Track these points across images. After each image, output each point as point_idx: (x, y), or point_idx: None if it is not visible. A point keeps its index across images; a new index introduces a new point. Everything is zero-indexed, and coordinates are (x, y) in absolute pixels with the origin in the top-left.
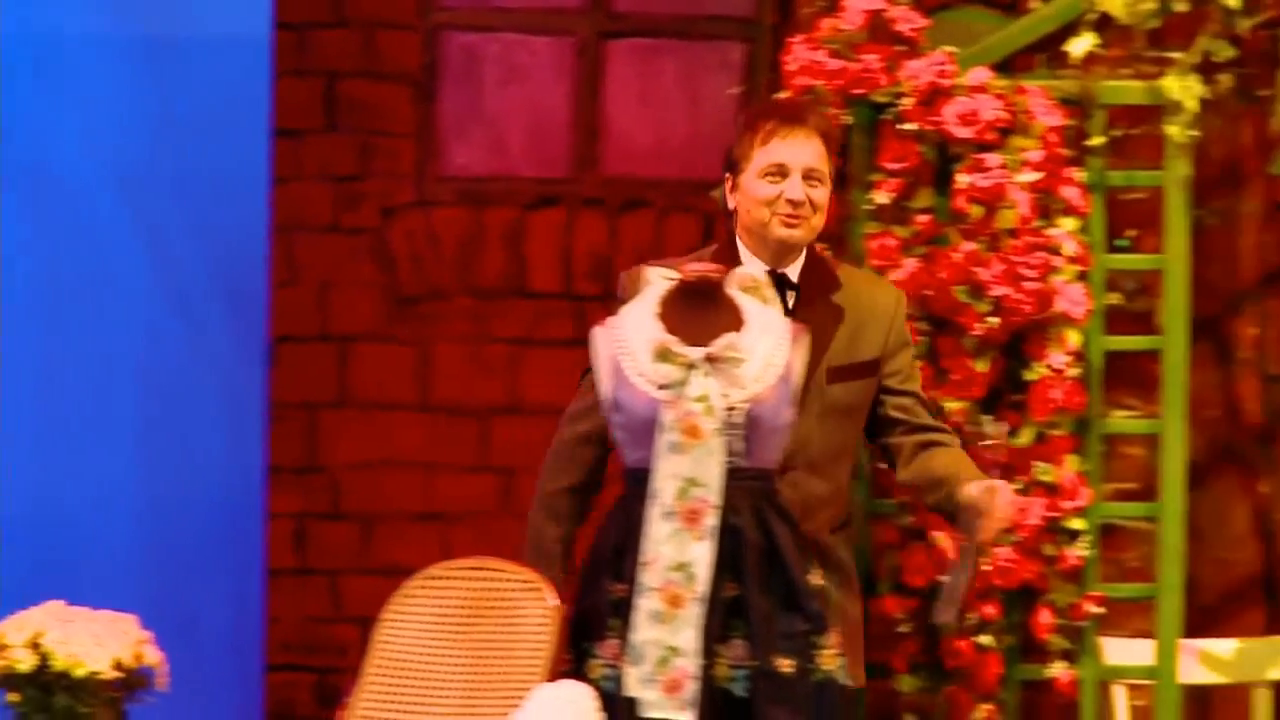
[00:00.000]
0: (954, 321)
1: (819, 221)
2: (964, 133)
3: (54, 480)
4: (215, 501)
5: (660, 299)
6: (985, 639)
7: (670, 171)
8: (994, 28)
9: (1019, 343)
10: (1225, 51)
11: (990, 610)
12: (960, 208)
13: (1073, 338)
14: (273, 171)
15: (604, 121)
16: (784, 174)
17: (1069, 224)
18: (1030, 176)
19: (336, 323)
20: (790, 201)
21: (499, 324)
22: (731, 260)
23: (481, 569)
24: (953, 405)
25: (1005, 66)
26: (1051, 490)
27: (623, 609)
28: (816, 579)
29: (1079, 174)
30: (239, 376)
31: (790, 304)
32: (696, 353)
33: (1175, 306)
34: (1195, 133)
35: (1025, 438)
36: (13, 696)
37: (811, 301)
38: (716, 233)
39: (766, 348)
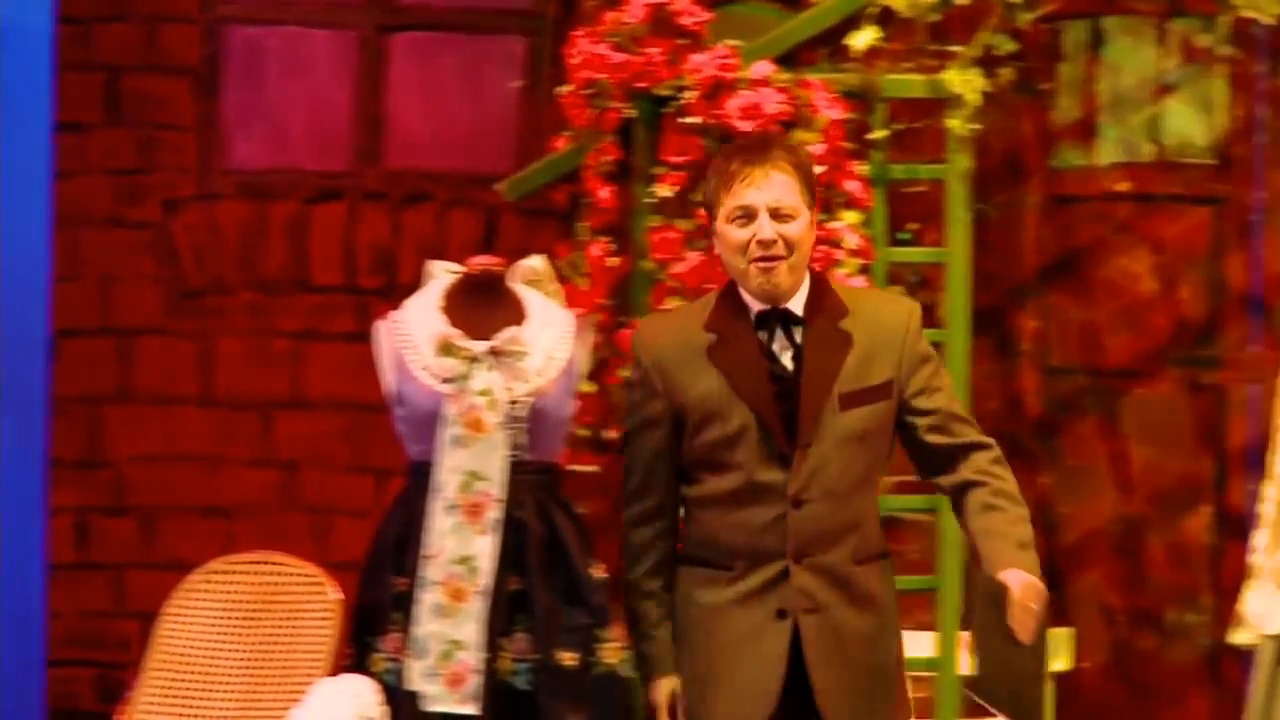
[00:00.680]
0: None
1: (799, 259)
2: (747, 126)
3: None
4: None
5: (443, 292)
6: None
7: (453, 165)
8: (776, 22)
9: None
10: (1006, 45)
11: None
12: None
13: None
14: (54, 165)
15: (386, 115)
16: (751, 216)
17: (851, 217)
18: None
19: (118, 316)
20: (760, 243)
21: (281, 318)
22: (735, 304)
23: (264, 563)
24: None
25: (788, 60)
26: None
27: (405, 603)
28: (599, 572)
29: (861, 167)
30: (20, 371)
31: (797, 338)
32: (480, 346)
33: (957, 299)
34: (976, 126)
35: None
36: None
37: (819, 331)
38: (499, 226)
39: (549, 341)
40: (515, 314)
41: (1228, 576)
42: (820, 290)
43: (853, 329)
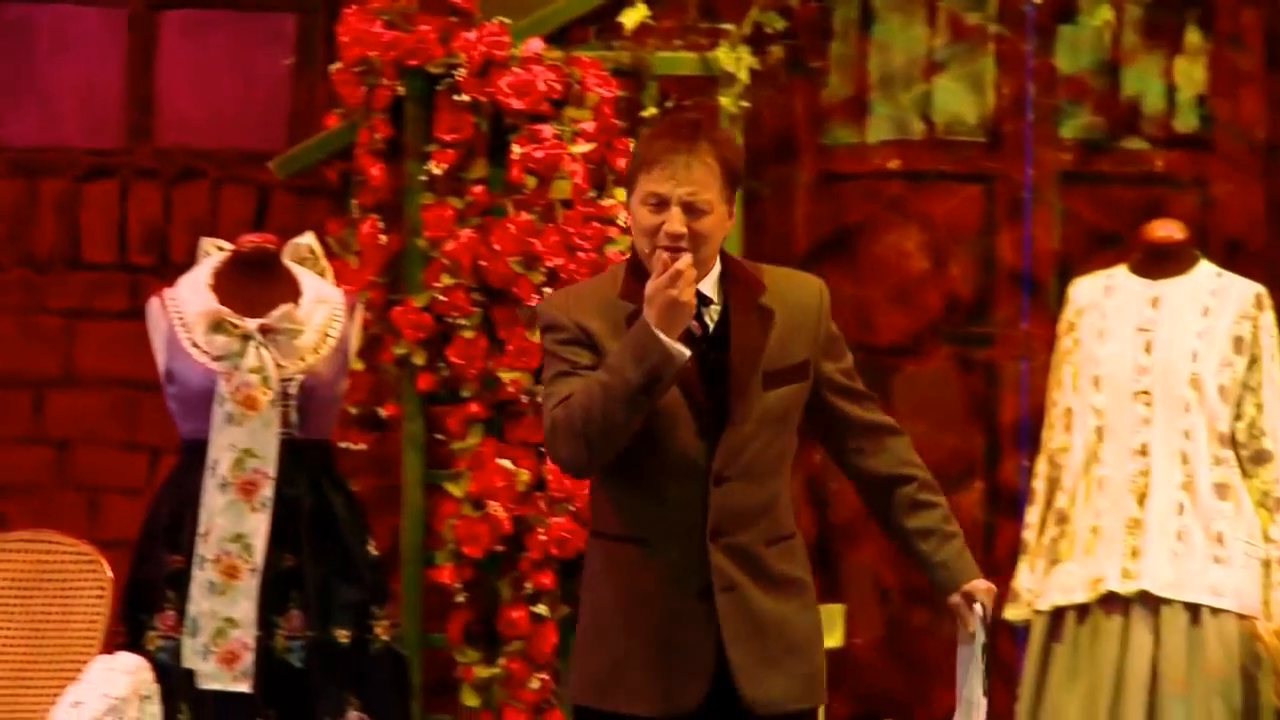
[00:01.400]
0: (509, 292)
1: (709, 252)
2: (518, 104)
3: None
4: None
5: (215, 270)
6: (541, 609)
7: (224, 142)
8: (547, 0)
9: None
10: (776, 23)
11: (545, 580)
12: (515, 179)
13: None
14: None
15: (157, 92)
16: (664, 204)
17: (622, 195)
18: (584, 147)
19: None
20: (668, 235)
21: (52, 295)
22: (640, 280)
23: (36, 541)
24: (509, 376)
25: (559, 38)
26: None
27: (179, 580)
28: (373, 549)
29: (633, 145)
30: None
31: (710, 320)
32: (252, 324)
33: None
34: (747, 104)
35: None
36: None
37: (742, 311)
38: (271, 204)
39: (321, 319)
40: (288, 292)
41: (1000, 552)
42: (733, 268)
43: (772, 305)
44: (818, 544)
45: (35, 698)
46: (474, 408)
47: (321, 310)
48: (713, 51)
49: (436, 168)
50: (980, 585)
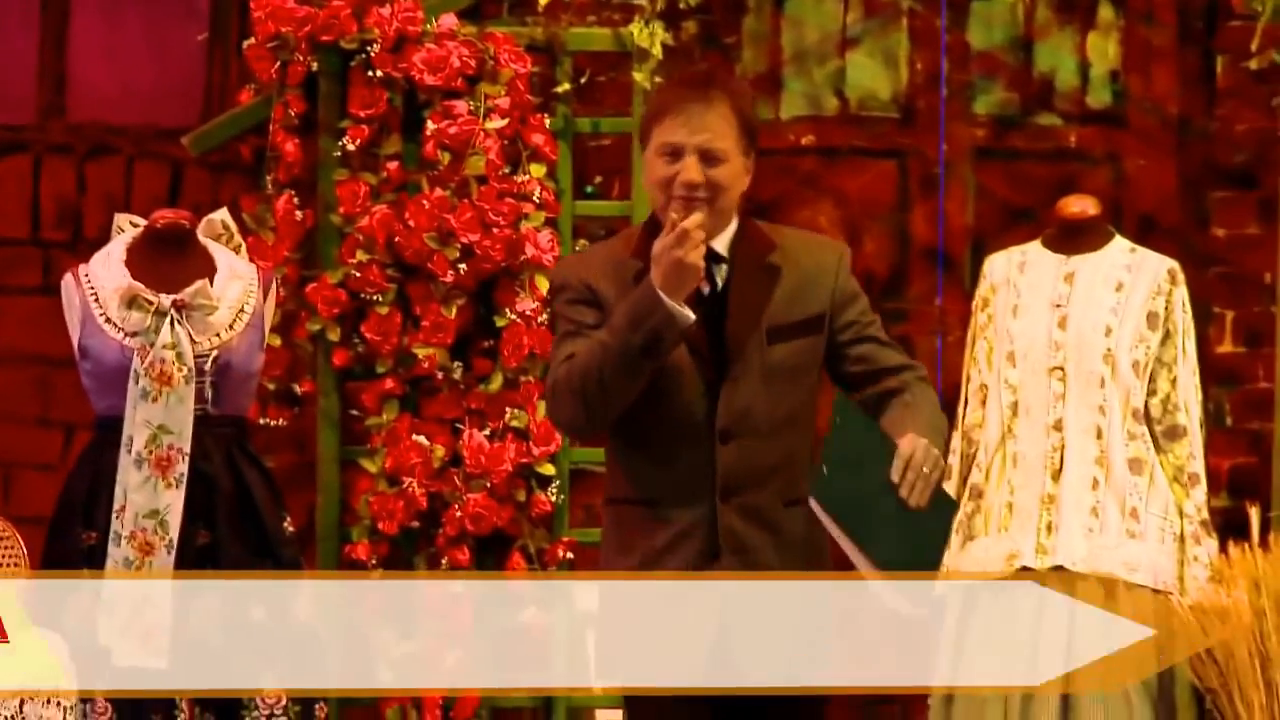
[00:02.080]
0: (424, 268)
1: (727, 203)
2: (432, 79)
3: None
4: None
5: (129, 246)
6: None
7: (138, 118)
8: None
9: (489, 289)
10: None
11: (461, 556)
12: (430, 154)
13: (542, 284)
14: None
15: (70, 68)
16: (678, 154)
17: (537, 170)
18: (498, 123)
19: None
20: (684, 184)
21: None
22: (654, 238)
23: None
24: (424, 352)
25: (472, 14)
26: (523, 436)
27: (94, 557)
28: (289, 526)
29: (547, 121)
30: None
31: (718, 276)
32: (166, 300)
33: None
34: (661, 79)
35: (496, 384)
36: None
37: (746, 268)
38: (184, 180)
39: (236, 294)
40: (202, 267)
41: None
42: (748, 229)
43: (781, 264)
44: None
45: None
46: (389, 384)
47: (236, 286)
48: (626, 27)
49: (351, 143)
50: (910, 438)
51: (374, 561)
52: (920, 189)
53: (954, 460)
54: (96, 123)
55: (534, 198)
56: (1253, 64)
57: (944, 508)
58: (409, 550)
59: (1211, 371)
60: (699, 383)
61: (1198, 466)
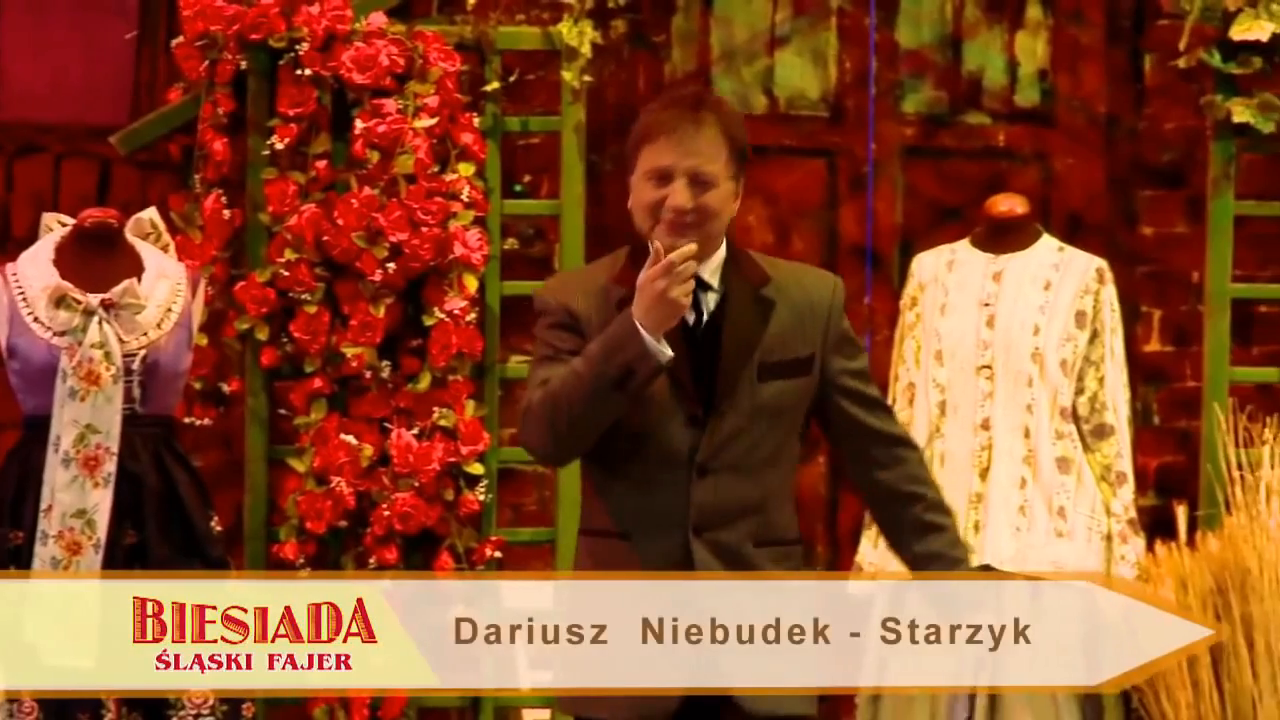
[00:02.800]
0: (353, 267)
1: (716, 228)
2: (361, 78)
3: None
4: None
5: (57, 245)
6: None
7: (66, 116)
8: None
9: (418, 288)
10: None
11: (389, 555)
12: (358, 153)
13: (471, 283)
14: None
15: None
16: (667, 178)
17: (466, 169)
18: (427, 122)
19: None
20: (673, 209)
21: None
22: (638, 265)
23: None
24: (353, 351)
25: (401, 12)
26: (451, 435)
27: (20, 556)
28: (216, 525)
29: (476, 120)
30: None
31: (708, 308)
32: (94, 299)
33: (571, 251)
34: (590, 78)
35: (424, 383)
36: None
37: (739, 300)
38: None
39: (164, 294)
40: (130, 267)
41: (843, 527)
42: (738, 258)
43: (775, 297)
44: None
45: None
46: (317, 383)
47: (164, 285)
48: (555, 26)
49: (279, 142)
50: None
51: (302, 561)
52: (849, 188)
53: None
54: (24, 121)
55: (463, 196)
56: (1181, 63)
57: None
58: (337, 549)
59: (1139, 370)
60: (682, 414)
61: (1125, 465)
